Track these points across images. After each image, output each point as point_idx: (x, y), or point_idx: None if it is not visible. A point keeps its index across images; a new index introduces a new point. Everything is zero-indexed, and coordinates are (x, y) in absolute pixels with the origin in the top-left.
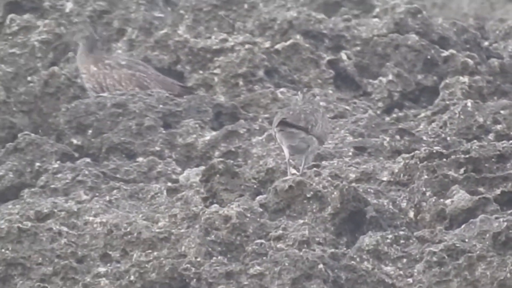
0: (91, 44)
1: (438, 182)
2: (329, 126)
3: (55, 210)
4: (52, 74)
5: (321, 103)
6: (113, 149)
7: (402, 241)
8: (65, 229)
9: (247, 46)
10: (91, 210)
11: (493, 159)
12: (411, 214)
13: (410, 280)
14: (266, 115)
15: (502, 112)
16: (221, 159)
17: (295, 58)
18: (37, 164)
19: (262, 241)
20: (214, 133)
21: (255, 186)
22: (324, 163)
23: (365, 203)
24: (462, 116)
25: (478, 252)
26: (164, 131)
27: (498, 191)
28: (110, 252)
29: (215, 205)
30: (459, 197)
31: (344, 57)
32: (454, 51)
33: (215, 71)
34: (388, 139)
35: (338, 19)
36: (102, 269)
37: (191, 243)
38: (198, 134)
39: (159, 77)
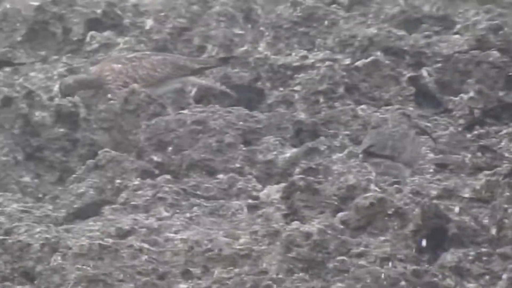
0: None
1: None
2: (420, 150)
3: (136, 227)
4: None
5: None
6: (193, 166)
7: (484, 258)
8: (146, 245)
9: (327, 63)
10: (172, 227)
11: None
12: (494, 231)
13: None
14: (347, 132)
15: None
16: (301, 176)
17: (376, 75)
18: (118, 181)
19: (344, 258)
20: (294, 150)
21: (336, 203)
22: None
23: (447, 220)
24: None
25: None
26: (244, 148)
27: None
28: (191, 269)
29: (296, 222)
30: None
31: (425, 73)
32: None
33: (295, 88)
34: (469, 156)
35: (419, 35)
36: (183, 286)
37: (272, 260)
38: (278, 151)
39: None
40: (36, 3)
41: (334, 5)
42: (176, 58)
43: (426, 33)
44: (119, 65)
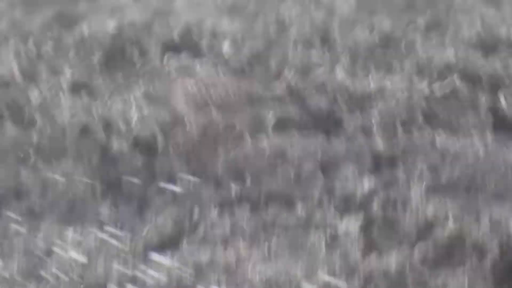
0: None
1: None
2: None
3: (214, 259)
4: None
5: (480, 149)
6: (272, 196)
7: None
8: (223, 279)
9: (405, 88)
10: (250, 260)
11: None
12: None
13: None
14: (425, 162)
15: None
16: (380, 207)
17: (454, 101)
18: (196, 211)
19: None
20: (372, 180)
21: (414, 235)
22: (483, 212)
23: None
24: None
25: None
26: (322, 178)
27: None
28: None
29: (374, 254)
30: None
31: (503, 100)
32: None
33: (373, 116)
34: None
35: (496, 59)
36: None
37: None
38: (356, 181)
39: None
40: (113, 27)
41: (411, 28)
42: (248, 85)
43: (504, 56)
44: (194, 88)
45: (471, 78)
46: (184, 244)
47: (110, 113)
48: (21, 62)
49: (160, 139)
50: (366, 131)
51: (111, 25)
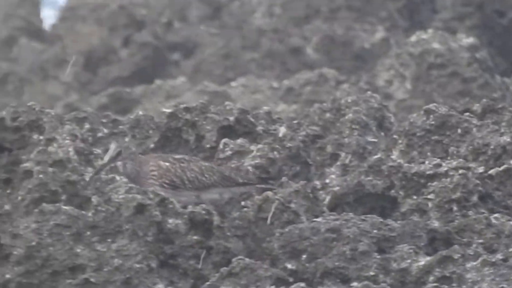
0: (130, 152)
1: None
2: None
3: None
4: (265, 199)
5: None
6: (328, 274)
7: None
8: None
9: (460, 171)
10: None
11: None
12: None
13: None
14: (480, 241)
15: None
16: (435, 284)
17: (509, 184)
18: None
19: None
20: (428, 258)
21: None
22: None
23: None
24: None
25: None
26: (378, 256)
27: None
28: None
29: None
30: None
31: None
32: None
33: (429, 196)
34: None
35: None
36: None
37: None
38: (412, 259)
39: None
40: (168, 110)
41: (467, 113)
42: (221, 169)
43: None
44: (167, 164)
45: None
46: None
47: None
48: (77, 145)
49: (216, 218)
50: (422, 211)
51: (167, 108)
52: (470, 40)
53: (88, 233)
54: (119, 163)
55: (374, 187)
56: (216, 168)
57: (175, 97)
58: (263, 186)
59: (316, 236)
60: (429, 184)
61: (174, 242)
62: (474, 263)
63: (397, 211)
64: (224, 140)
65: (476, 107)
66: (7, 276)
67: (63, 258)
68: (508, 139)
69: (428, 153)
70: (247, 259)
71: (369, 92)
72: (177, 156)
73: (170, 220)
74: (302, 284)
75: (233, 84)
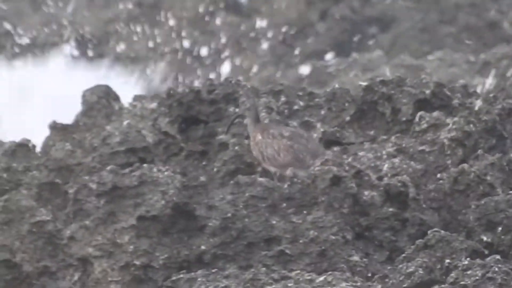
0: (254, 114)
1: None
2: None
3: None
4: (461, 171)
5: None
6: None
7: None
8: None
9: None
10: None
11: None
12: None
13: None
14: None
15: None
16: None
17: None
18: (447, 261)
19: None
20: None
21: None
22: None
23: None
24: None
25: None
26: None
27: None
28: None
29: None
30: None
31: None
32: None
33: None
34: None
35: None
36: None
37: None
38: None
39: (318, 151)
40: (364, 83)
41: None
42: (301, 148)
43: None
44: (260, 137)
45: None
46: None
47: (361, 164)
48: (272, 117)
49: (411, 190)
50: None
51: (363, 81)
52: None
53: (284, 204)
54: None
55: None
56: (296, 147)
57: (372, 70)
58: None
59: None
60: None
61: (370, 214)
62: None
63: None
64: (420, 113)
65: None
66: (202, 247)
67: (258, 229)
68: None
69: None
70: (442, 231)
71: None
72: (272, 131)
73: (366, 192)
74: (498, 256)
75: (429, 57)
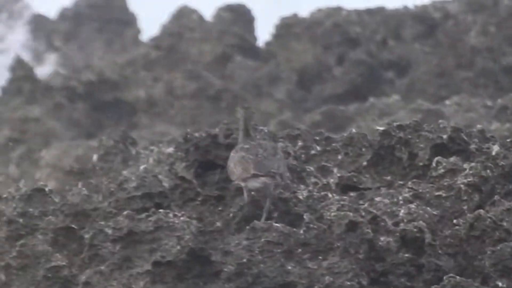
0: (244, 130)
1: None
2: None
3: None
4: (477, 217)
5: None
6: None
7: None
8: None
9: None
10: None
11: None
12: None
13: None
14: None
15: None
16: None
17: None
18: None
19: None
20: None
21: None
22: None
23: None
24: None
25: None
26: None
27: None
28: None
29: None
30: None
31: None
32: None
33: None
34: None
35: None
36: None
37: None
38: None
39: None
40: (382, 128)
41: None
42: (250, 158)
43: None
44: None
45: None
46: None
47: (377, 210)
48: (289, 162)
49: (427, 236)
50: None
51: (380, 126)
52: None
53: (300, 250)
54: None
55: None
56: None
57: (389, 115)
58: None
59: None
60: None
61: (386, 260)
62: None
63: None
64: (437, 158)
65: None
66: None
67: (274, 275)
68: None
69: None
70: (458, 277)
71: None
72: (246, 144)
73: (382, 238)
74: None
75: (447, 102)
